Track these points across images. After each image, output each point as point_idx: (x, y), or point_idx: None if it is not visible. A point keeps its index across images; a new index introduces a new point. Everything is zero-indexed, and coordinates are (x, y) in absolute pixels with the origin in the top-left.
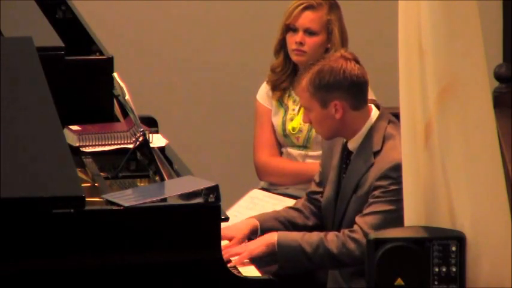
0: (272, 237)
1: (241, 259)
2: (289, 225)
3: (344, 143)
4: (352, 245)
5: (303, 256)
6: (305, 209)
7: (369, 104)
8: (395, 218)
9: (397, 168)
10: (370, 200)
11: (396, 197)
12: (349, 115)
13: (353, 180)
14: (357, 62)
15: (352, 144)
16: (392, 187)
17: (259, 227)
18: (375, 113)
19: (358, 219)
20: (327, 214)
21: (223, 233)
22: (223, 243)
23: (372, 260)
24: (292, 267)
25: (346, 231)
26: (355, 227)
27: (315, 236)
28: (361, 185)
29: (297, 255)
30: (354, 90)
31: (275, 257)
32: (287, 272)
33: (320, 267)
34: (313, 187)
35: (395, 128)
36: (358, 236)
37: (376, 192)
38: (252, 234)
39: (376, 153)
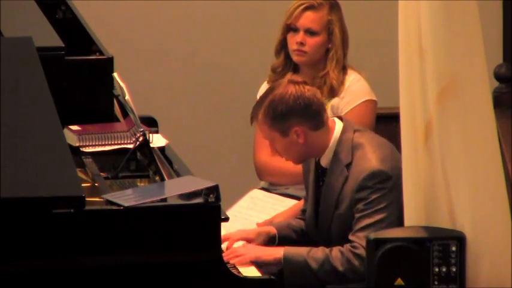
0: (279, 252)
1: (245, 260)
2: (302, 234)
3: (317, 161)
4: (356, 262)
5: (309, 272)
6: None
7: (332, 118)
8: (387, 225)
9: (371, 176)
10: (357, 215)
11: (381, 205)
12: (311, 136)
13: (332, 197)
14: (306, 83)
15: (324, 161)
16: (374, 196)
17: (277, 236)
18: (339, 126)
19: (352, 237)
20: (310, 231)
21: (245, 234)
22: (240, 243)
23: (372, 260)
24: (298, 282)
25: (349, 246)
26: (355, 243)
27: (320, 252)
28: (341, 201)
29: (303, 271)
30: (308, 112)
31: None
32: (292, 285)
33: (325, 283)
34: (304, 204)
35: (362, 136)
36: (361, 252)
37: (360, 206)
38: (270, 242)
39: (348, 166)
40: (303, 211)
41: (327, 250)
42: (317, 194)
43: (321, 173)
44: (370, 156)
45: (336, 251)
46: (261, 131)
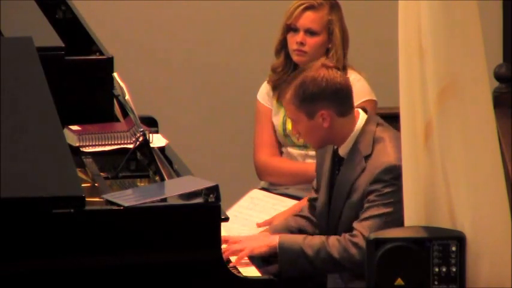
0: (274, 240)
1: (242, 257)
2: (300, 234)
3: (335, 149)
4: (353, 250)
5: (305, 260)
6: (312, 216)
7: (356, 109)
8: (392, 220)
9: (389, 170)
10: (366, 205)
11: (392, 199)
12: (337, 122)
13: (345, 186)
14: (338, 69)
15: (343, 150)
16: (386, 190)
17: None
18: (362, 117)
19: (356, 225)
20: (321, 220)
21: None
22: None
23: (371, 260)
24: (293, 271)
25: (347, 235)
26: (355, 231)
27: (316, 240)
28: (354, 191)
29: (299, 259)
30: (338, 97)
31: (276, 258)
32: (288, 274)
33: (321, 271)
34: (313, 193)
35: (385, 131)
36: (359, 240)
37: (371, 197)
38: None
39: (367, 158)
40: (311, 200)
41: (323, 238)
42: (331, 182)
43: (337, 162)
44: (390, 151)
45: (333, 239)
46: (287, 110)
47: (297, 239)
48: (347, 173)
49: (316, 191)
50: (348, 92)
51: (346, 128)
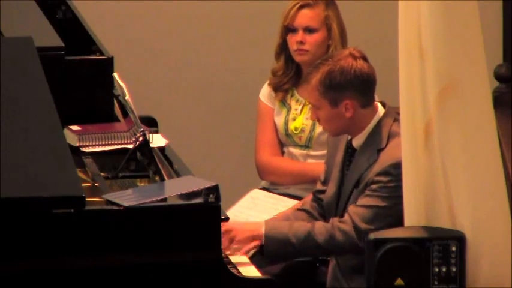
0: (259, 228)
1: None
2: None
3: (348, 140)
4: (340, 237)
5: (290, 248)
6: (313, 210)
7: (376, 102)
8: (387, 214)
9: (398, 165)
10: (366, 192)
11: (392, 194)
12: (359, 113)
13: (355, 176)
14: (365, 59)
15: (357, 142)
16: (391, 184)
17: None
18: (381, 110)
19: (350, 208)
20: (329, 210)
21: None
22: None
23: (371, 260)
24: (279, 259)
25: (335, 220)
26: (346, 216)
27: (302, 228)
28: (362, 180)
29: (284, 248)
30: (363, 88)
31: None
32: (274, 261)
33: (307, 257)
34: (319, 186)
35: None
36: (347, 227)
37: (374, 186)
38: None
39: (380, 151)
40: (317, 191)
41: (309, 225)
42: (342, 173)
43: (350, 153)
44: None
45: (319, 226)
46: (310, 95)
47: (283, 227)
48: (358, 164)
49: (324, 182)
50: (373, 83)
51: (366, 119)
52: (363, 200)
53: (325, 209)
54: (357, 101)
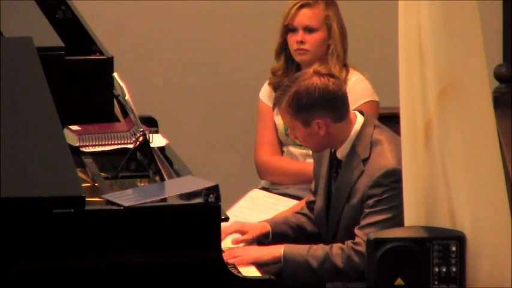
0: (278, 250)
1: (243, 261)
2: (298, 230)
3: (332, 152)
4: (357, 259)
5: (309, 271)
6: (312, 214)
7: (353, 112)
8: (394, 224)
9: (387, 174)
10: (366, 211)
11: (391, 204)
12: (333, 128)
13: (345, 189)
14: (331, 76)
15: (341, 153)
16: (386, 194)
17: (271, 232)
18: (359, 120)
19: (358, 231)
20: (320, 223)
21: (240, 226)
22: (235, 236)
23: (372, 260)
24: (298, 282)
25: (350, 243)
26: (358, 239)
27: (320, 250)
28: (353, 194)
29: (303, 270)
30: (332, 105)
31: (280, 267)
32: (292, 285)
33: (326, 281)
34: (311, 197)
35: (382, 133)
36: (362, 248)
37: (371, 202)
38: (264, 238)
39: (365, 161)
40: (309, 203)
41: (327, 248)
42: (329, 185)
43: (335, 165)
44: (388, 154)
45: (336, 248)
46: (283, 118)
47: (301, 250)
48: (345, 176)
49: (314, 193)
50: (342, 98)
51: (344, 132)
52: (366, 220)
53: (316, 222)
54: (329, 117)
